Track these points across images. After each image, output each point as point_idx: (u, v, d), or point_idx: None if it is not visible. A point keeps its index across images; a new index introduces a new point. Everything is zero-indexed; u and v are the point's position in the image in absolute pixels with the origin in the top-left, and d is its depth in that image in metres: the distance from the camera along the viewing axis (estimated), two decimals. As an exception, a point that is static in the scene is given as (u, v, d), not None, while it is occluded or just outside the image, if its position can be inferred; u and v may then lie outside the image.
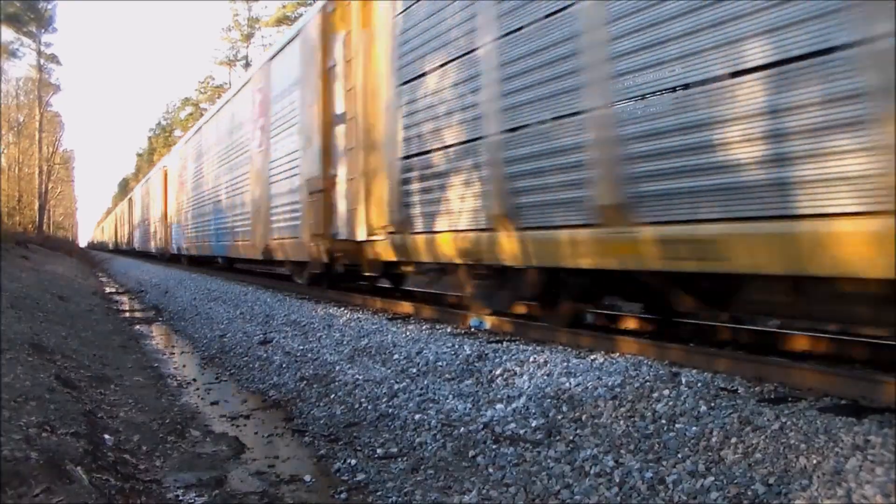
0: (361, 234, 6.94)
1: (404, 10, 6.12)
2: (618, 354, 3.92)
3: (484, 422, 3.24)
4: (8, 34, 33.73)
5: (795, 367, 3.29)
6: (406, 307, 6.80)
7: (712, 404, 2.83)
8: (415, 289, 8.39)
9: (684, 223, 3.49)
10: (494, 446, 2.98)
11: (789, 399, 2.88)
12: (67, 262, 23.93)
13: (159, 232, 23.18)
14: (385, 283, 8.62)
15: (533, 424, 3.06)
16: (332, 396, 4.26)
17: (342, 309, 7.24)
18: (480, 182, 5.05)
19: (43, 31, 36.37)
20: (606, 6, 3.83)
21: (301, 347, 5.64)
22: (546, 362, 3.79)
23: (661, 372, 3.34)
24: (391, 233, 6.37)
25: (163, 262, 22.29)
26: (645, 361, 3.62)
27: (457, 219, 5.37)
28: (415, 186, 5.96)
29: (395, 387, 4.05)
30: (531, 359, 3.92)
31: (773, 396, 2.94)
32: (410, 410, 3.65)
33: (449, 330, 5.44)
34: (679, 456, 2.52)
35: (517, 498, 2.54)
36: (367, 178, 6.86)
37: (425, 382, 4.02)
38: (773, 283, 3.43)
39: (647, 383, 3.16)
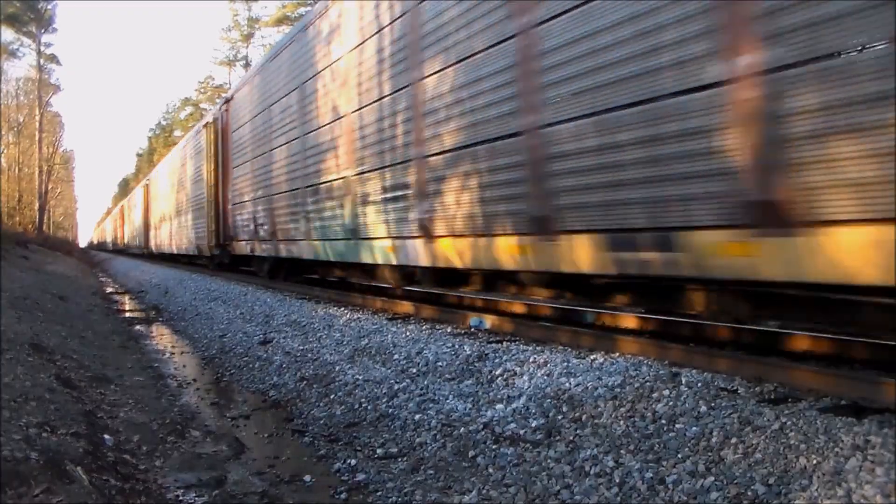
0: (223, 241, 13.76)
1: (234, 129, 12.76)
2: (618, 354, 3.91)
3: (484, 422, 3.24)
4: (8, 34, 33.76)
5: (795, 367, 3.29)
6: (406, 307, 6.80)
7: (712, 404, 2.83)
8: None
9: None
10: (494, 446, 2.98)
11: (789, 399, 2.87)
12: (67, 262, 23.93)
13: (142, 235, 30.04)
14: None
15: (533, 425, 3.06)
16: (332, 396, 4.26)
17: (342, 309, 7.24)
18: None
19: (43, 31, 36.36)
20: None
21: (301, 347, 5.63)
22: (546, 362, 3.79)
23: (661, 372, 3.34)
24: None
25: (162, 263, 23.09)
26: (645, 361, 3.62)
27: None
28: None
29: (395, 387, 4.05)
30: (531, 359, 3.92)
31: (773, 396, 2.94)
32: (410, 411, 3.65)
33: (449, 330, 5.44)
34: (679, 456, 2.52)
35: (517, 498, 2.54)
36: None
37: (425, 382, 4.02)
38: None
39: (648, 383, 3.16)
